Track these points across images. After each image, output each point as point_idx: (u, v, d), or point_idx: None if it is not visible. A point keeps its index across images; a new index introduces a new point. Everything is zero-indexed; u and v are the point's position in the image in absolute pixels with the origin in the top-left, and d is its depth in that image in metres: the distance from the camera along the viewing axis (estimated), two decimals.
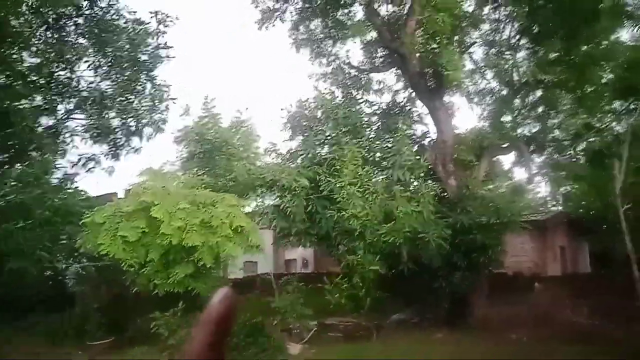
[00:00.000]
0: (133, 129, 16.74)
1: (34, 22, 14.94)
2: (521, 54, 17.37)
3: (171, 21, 16.88)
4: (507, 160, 20.34)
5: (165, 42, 16.72)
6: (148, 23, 16.62)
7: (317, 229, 15.41)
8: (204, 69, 62.14)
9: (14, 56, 14.36)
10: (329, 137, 15.87)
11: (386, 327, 13.61)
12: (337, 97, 17.26)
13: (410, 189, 15.04)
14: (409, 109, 18.58)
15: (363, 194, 14.12)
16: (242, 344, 11.03)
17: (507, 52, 17.27)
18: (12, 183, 12.49)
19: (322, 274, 17.97)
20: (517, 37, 17.47)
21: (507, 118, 17.71)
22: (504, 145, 17.54)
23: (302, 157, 16.54)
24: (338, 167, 14.61)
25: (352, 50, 19.45)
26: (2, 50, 13.61)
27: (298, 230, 15.32)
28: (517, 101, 17.81)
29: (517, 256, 19.69)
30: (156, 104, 16.71)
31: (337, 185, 14.32)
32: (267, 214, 15.60)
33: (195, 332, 1.01)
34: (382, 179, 15.18)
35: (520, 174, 22.19)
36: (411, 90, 18.45)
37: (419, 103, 18.31)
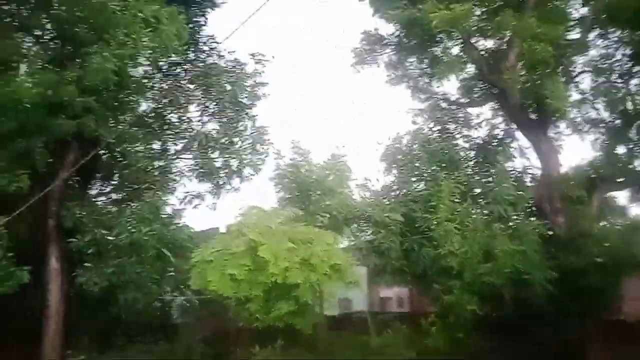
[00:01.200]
0: (234, 168, 17.58)
1: (149, 71, 16.38)
2: (635, 81, 16.18)
3: (267, 61, 17.56)
4: (622, 195, 18.72)
5: (264, 83, 17.45)
6: (246, 64, 17.52)
7: (413, 266, 15.07)
8: (296, 106, 64.14)
9: (132, 104, 15.79)
10: (425, 173, 15.62)
11: None
12: (434, 131, 17.03)
13: (512, 225, 14.35)
14: (509, 142, 17.87)
15: (461, 231, 13.66)
16: None
17: (619, 80, 16.17)
18: (128, 220, 13.51)
19: (418, 314, 17.41)
20: (630, 63, 16.33)
21: (621, 150, 16.42)
22: (619, 180, 16.23)
23: (396, 192, 16.41)
24: (434, 203, 14.28)
25: (449, 85, 19.20)
26: (123, 97, 15.01)
27: (393, 267, 15.08)
28: (632, 131, 16.48)
29: (637, 301, 17.82)
30: (256, 145, 17.44)
31: (434, 222, 13.99)
32: (361, 249, 15.55)
33: None
34: (482, 215, 14.62)
35: (638, 211, 20.35)
36: (511, 123, 17.78)
37: (520, 136, 17.58)
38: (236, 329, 13.84)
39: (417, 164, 15.97)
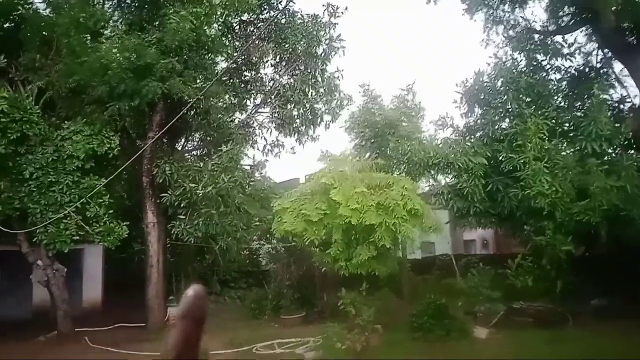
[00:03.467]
0: (310, 118, 17.73)
1: (223, 30, 16.67)
2: None
3: (341, 12, 17.35)
4: None
5: (339, 35, 17.24)
6: (320, 17, 17.30)
7: (499, 208, 14.60)
8: (371, 48, 62.68)
9: (210, 62, 16.24)
10: (509, 110, 14.80)
11: (583, 313, 12.30)
12: (519, 64, 15.90)
13: (608, 160, 13.37)
14: (605, 72, 16.31)
15: (550, 170, 12.93)
16: (427, 325, 11.04)
17: None
18: (211, 171, 14.15)
19: (503, 255, 17.00)
20: None
21: None
22: None
23: (480, 133, 15.76)
24: (520, 141, 13.56)
25: (534, 12, 17.50)
26: (200, 57, 15.45)
27: (476, 210, 14.70)
28: None
29: None
30: (331, 94, 17.42)
31: (521, 162, 13.35)
32: (442, 194, 15.26)
33: (172, 330, 1.00)
34: (573, 152, 13.71)
35: None
36: (606, 50, 16.18)
37: (616, 63, 15.98)
38: (321, 274, 14.32)
39: (500, 101, 15.12)
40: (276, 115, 17.77)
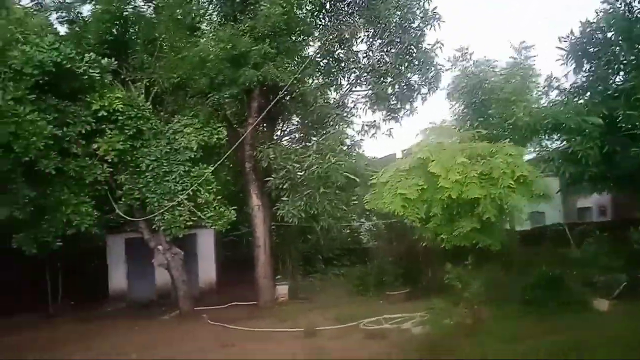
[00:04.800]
0: (406, 92, 17.30)
1: (312, 10, 16.69)
2: None
3: None
4: None
5: (435, 7, 16.54)
6: None
7: (617, 171, 13.41)
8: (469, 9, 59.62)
9: (302, 44, 16.43)
10: (624, 62, 13.41)
11: None
12: (633, 10, 14.26)
13: None
14: None
15: None
16: (540, 298, 10.49)
17: None
18: (314, 155, 14.41)
19: (624, 222, 15.57)
20: None
21: None
22: None
23: (591, 91, 14.51)
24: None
25: None
26: (291, 41, 15.68)
27: (591, 174, 13.62)
28: None
29: None
30: (428, 67, 16.83)
31: None
32: (553, 160, 14.31)
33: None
34: None
35: None
36: None
37: None
38: (424, 249, 14.10)
39: (613, 53, 13.75)
40: (371, 93, 17.59)
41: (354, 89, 18.17)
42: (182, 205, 14.04)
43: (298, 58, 16.02)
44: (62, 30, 15.60)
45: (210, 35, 15.17)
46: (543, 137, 15.48)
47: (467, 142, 11.79)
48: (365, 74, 17.55)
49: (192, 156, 14.27)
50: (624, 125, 12.70)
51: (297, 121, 18.54)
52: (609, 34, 13.98)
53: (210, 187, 14.36)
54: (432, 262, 14.25)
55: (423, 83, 17.30)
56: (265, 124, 16.88)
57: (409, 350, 8.95)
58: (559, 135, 14.77)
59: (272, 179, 14.87)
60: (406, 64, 16.98)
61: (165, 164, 14.10)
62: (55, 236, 12.81)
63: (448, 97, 18.00)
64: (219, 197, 14.68)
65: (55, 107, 12.58)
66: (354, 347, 9.79)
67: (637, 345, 7.68)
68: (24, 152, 11.23)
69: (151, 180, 14.01)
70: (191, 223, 14.39)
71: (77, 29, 15.43)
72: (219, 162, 14.79)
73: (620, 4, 14.27)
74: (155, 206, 14.02)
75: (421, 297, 13.33)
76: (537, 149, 16.25)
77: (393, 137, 17.86)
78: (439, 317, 10.14)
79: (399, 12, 16.49)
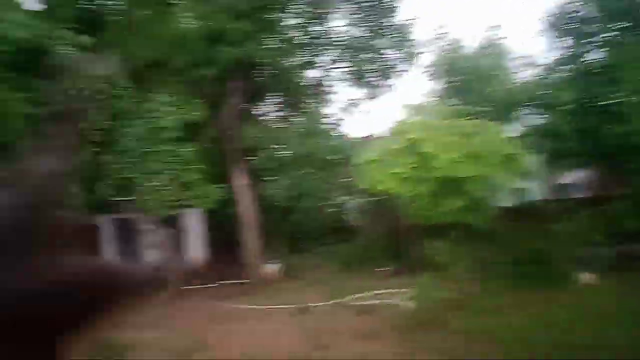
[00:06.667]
0: (384, 69, 17.29)
1: None
2: None
3: None
4: None
5: None
6: None
7: (595, 148, 13.76)
8: None
9: (280, 22, 16.16)
10: (605, 39, 13.65)
11: None
12: None
13: None
14: None
15: None
16: (525, 272, 10.79)
17: None
18: (295, 134, 14.35)
19: (602, 197, 16.05)
20: None
21: None
22: None
23: (570, 66, 14.76)
24: (618, 73, 12.55)
25: None
26: (269, 16, 15.40)
27: (570, 150, 13.96)
28: None
29: None
30: (404, 43, 16.81)
31: (618, 96, 12.40)
32: (532, 136, 14.60)
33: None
34: None
35: None
36: None
37: None
38: (408, 226, 14.27)
39: (593, 30, 13.97)
40: (349, 69, 17.51)
41: (331, 66, 18.08)
42: (167, 185, 13.82)
43: (277, 35, 15.78)
44: (36, 6, 14.95)
45: (188, 12, 14.76)
46: (520, 112, 15.72)
47: (450, 120, 11.90)
48: (342, 51, 17.43)
49: (173, 136, 13.99)
50: (601, 102, 12.98)
51: (278, 100, 18.37)
52: (589, 10, 14.15)
53: (194, 167, 14.17)
54: (418, 238, 14.46)
55: (400, 59, 17.30)
56: (247, 103, 16.66)
57: (398, 324, 9.18)
58: (535, 110, 15.03)
59: (256, 158, 14.77)
60: (382, 39, 16.91)
61: (147, 144, 13.79)
62: None
63: (428, 75, 18.08)
64: (204, 177, 14.52)
65: (29, 86, 12.09)
66: (346, 322, 9.99)
67: (621, 317, 8.01)
68: (1, 134, 10.83)
69: (135, 160, 13.72)
70: (177, 203, 14.21)
71: (49, 5, 14.79)
72: (200, 142, 14.57)
73: None
74: (140, 186, 13.78)
75: (408, 273, 13.56)
76: (518, 126, 16.55)
77: (372, 115, 17.91)
78: (426, 292, 10.37)
79: None
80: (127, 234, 16.82)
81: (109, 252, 18.32)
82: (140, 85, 15.21)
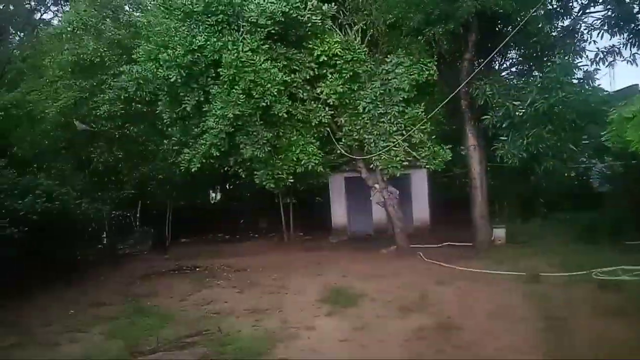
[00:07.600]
0: None
1: None
2: None
3: None
4: None
5: None
6: None
7: None
8: None
9: None
10: None
11: None
12: None
13: None
14: None
15: None
16: None
17: None
18: (537, 89, 13.07)
19: None
20: None
21: None
22: None
23: None
24: None
25: None
26: None
27: None
28: None
29: None
30: None
31: None
32: None
33: None
34: None
35: None
36: None
37: None
38: None
39: None
40: (609, 14, 15.06)
41: (587, 11, 15.83)
42: (397, 146, 14.30)
43: None
44: None
45: None
46: None
47: None
48: None
49: (405, 97, 14.24)
50: None
51: (517, 54, 17.01)
52: None
53: (424, 127, 14.29)
54: None
55: None
56: (481, 59, 15.88)
57: None
58: None
59: (488, 117, 14.05)
60: None
61: (380, 106, 14.36)
62: (288, 173, 14.29)
63: None
64: (434, 137, 14.57)
65: (284, 56, 13.68)
66: (584, 297, 9.06)
67: None
68: (261, 98, 12.65)
69: (368, 121, 14.48)
70: (407, 163, 14.62)
71: None
72: (432, 101, 14.49)
73: None
74: (372, 146, 14.55)
75: None
76: None
77: (638, 64, 15.17)
78: None
79: None
80: (357, 191, 18.14)
81: (340, 208, 20.19)
82: (377, 49, 15.86)
